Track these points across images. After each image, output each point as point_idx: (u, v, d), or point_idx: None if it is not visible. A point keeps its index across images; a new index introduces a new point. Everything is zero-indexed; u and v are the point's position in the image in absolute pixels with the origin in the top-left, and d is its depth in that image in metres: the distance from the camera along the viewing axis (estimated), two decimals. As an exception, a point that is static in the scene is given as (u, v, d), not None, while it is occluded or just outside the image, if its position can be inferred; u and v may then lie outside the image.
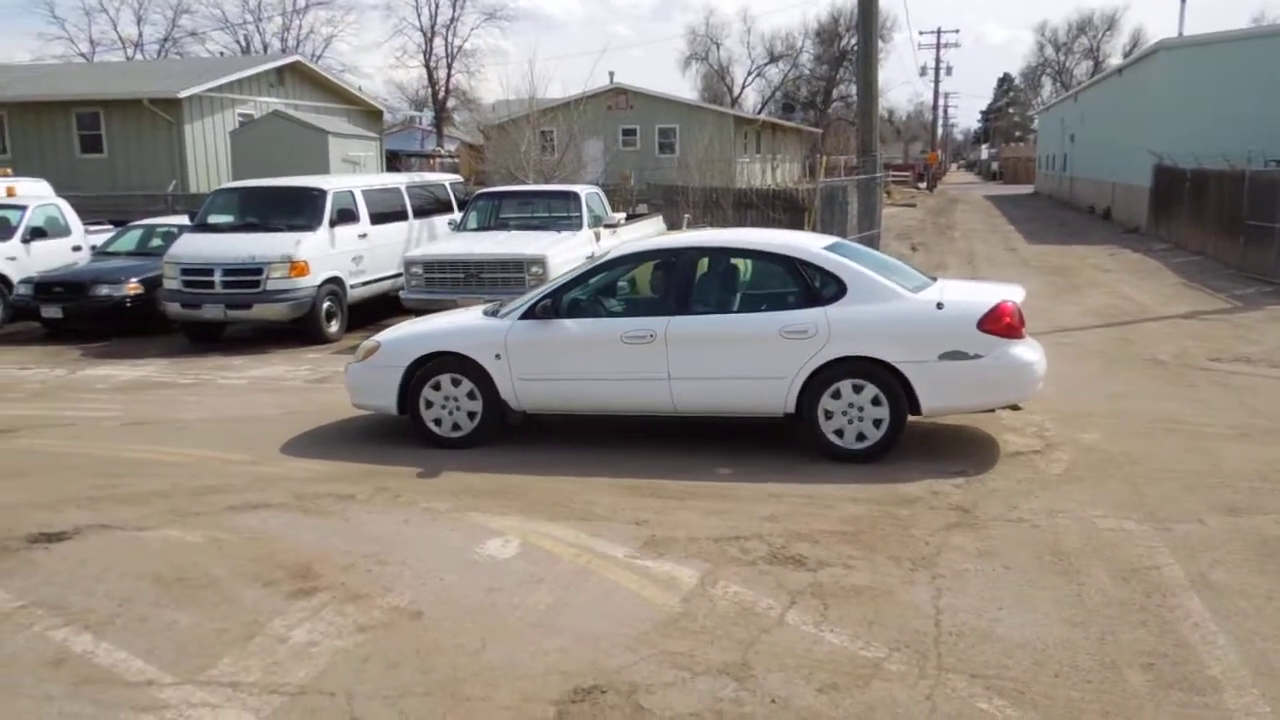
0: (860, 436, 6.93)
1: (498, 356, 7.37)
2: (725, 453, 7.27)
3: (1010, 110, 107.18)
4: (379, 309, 14.02)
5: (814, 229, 15.40)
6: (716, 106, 49.36)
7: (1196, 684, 3.93)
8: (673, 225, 15.22)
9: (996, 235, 29.02)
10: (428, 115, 57.87)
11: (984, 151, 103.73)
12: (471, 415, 7.52)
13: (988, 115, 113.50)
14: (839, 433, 6.96)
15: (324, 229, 12.76)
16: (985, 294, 7.23)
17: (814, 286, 7.08)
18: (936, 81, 66.59)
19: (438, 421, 7.57)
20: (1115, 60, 64.77)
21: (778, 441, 7.42)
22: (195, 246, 12.63)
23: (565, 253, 12.34)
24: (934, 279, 7.66)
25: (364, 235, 13.46)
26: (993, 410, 7.27)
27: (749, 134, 43.61)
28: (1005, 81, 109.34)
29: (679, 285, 7.37)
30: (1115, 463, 6.89)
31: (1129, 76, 32.80)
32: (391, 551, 5.51)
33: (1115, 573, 5.03)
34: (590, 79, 62.21)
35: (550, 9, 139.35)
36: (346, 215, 13.20)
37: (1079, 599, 4.75)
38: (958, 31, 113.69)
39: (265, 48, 55.83)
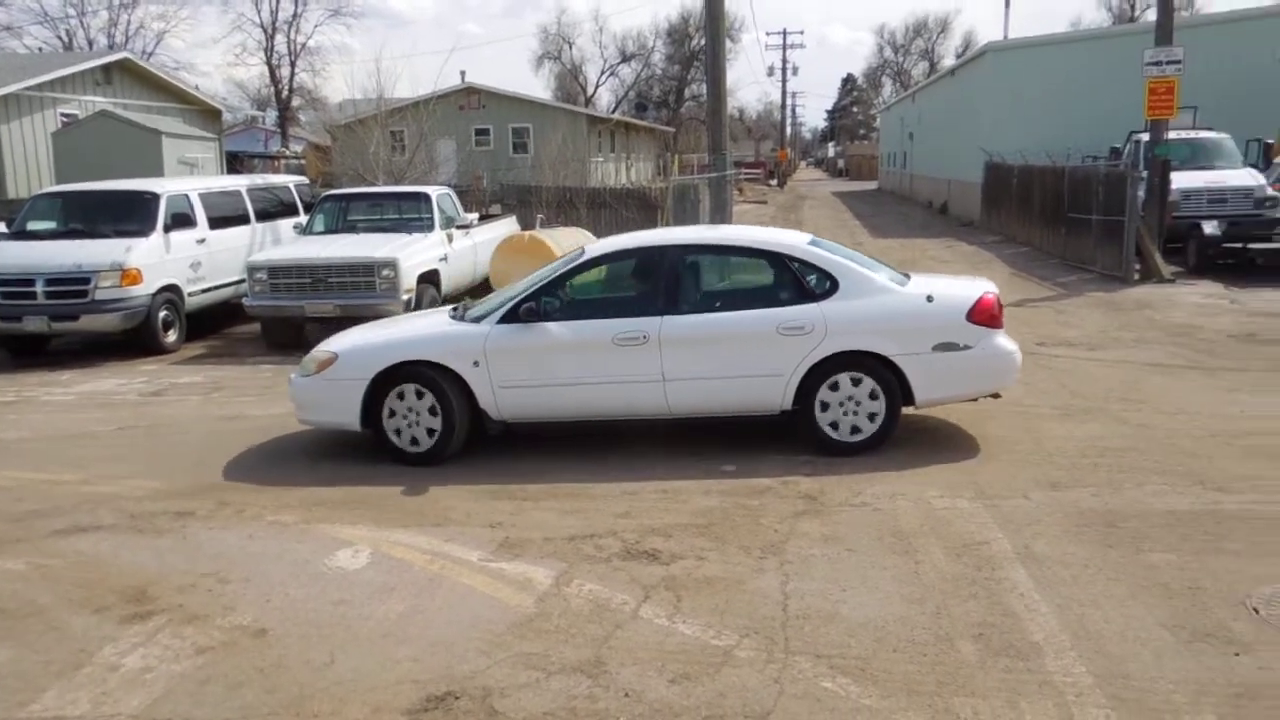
0: (855, 429, 7.02)
1: (476, 364, 6.99)
2: (597, 450, 7.29)
3: (854, 109, 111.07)
4: (221, 318, 13.47)
5: (666, 226, 15.60)
6: (570, 106, 49.37)
7: (1021, 650, 4.17)
8: (526, 225, 15.15)
9: (844, 230, 30.01)
10: (271, 115, 55.85)
11: (831, 149, 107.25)
12: (434, 429, 7.09)
13: (833, 114, 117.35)
14: (835, 426, 7.01)
15: (157, 234, 12.15)
16: (967, 287, 7.40)
17: (806, 282, 7.07)
18: (784, 81, 68.56)
19: (402, 434, 7.12)
20: (949, 61, 67.97)
21: (649, 436, 7.49)
22: (14, 255, 11.83)
23: (417, 255, 12.13)
24: (906, 274, 7.67)
25: (202, 240, 12.89)
26: (975, 399, 7.42)
27: (603, 133, 43.79)
28: (849, 82, 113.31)
29: (669, 284, 7.16)
30: (951, 445, 7.24)
31: (961, 77, 34.46)
32: (234, 569, 5.31)
33: (949, 549, 5.29)
34: (441, 78, 61.37)
35: (398, 6, 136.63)
36: (182, 220, 12.61)
37: (916, 576, 4.97)
38: (802, 33, 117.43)
39: (90, 44, 52.69)
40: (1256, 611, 4.42)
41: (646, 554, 5.37)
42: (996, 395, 7.38)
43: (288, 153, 42.91)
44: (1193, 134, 19.99)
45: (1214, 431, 7.33)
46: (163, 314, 12.07)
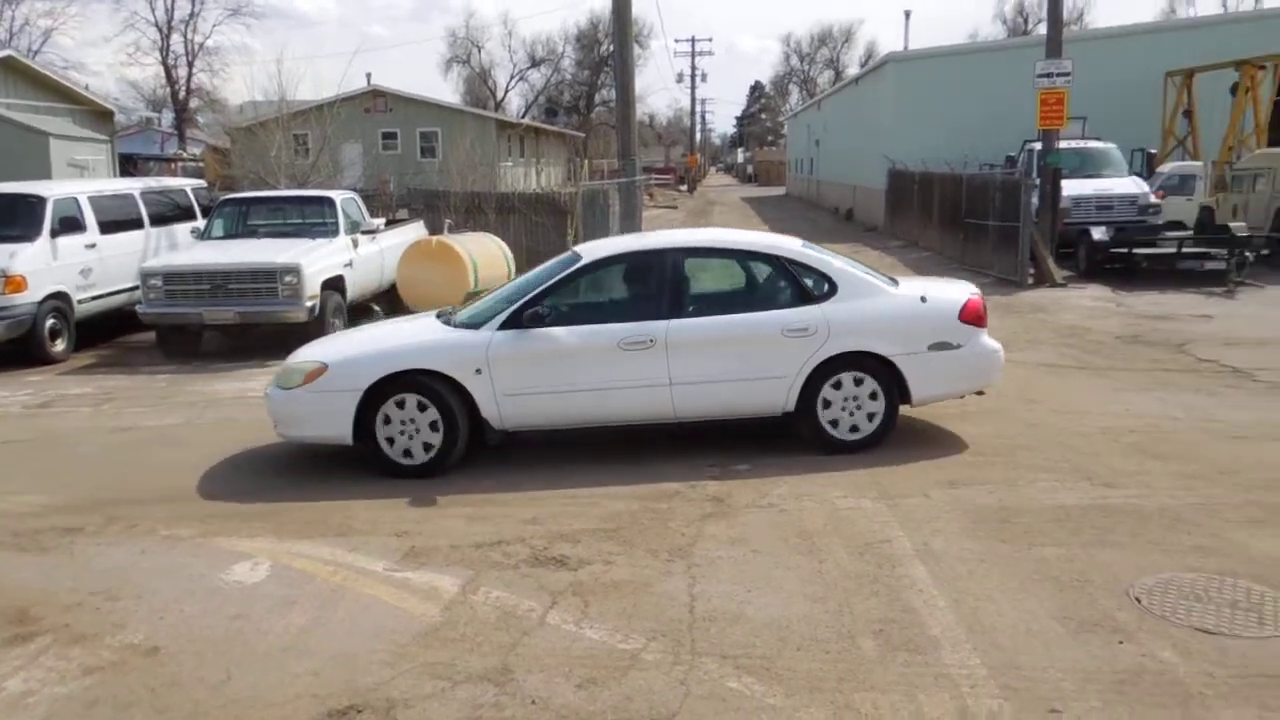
0: (853, 429, 7.13)
1: (478, 371, 6.79)
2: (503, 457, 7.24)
3: (763, 116, 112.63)
4: (114, 326, 13.00)
5: (576, 232, 15.60)
6: (479, 110, 48.99)
7: (919, 644, 4.27)
8: (434, 230, 14.97)
9: (752, 235, 30.38)
10: (168, 117, 54.11)
11: (740, 155, 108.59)
12: (434, 439, 6.86)
13: (742, 121, 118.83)
14: (836, 424, 7.11)
15: (44, 240, 11.67)
16: (953, 289, 7.61)
17: (805, 285, 7.16)
18: (693, 88, 69.21)
19: (399, 449, 6.86)
20: (853, 70, 69.48)
21: (562, 444, 7.46)
22: (-115, 262, 11.23)
23: (321, 261, 11.89)
24: (893, 278, 7.78)
25: (92, 245, 12.42)
26: (963, 396, 7.56)
27: (512, 138, 43.57)
28: (757, 89, 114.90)
29: (672, 287, 7.13)
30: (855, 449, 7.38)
31: (864, 86, 35.26)
32: (124, 586, 5.12)
33: (852, 548, 5.40)
34: (345, 80, 60.08)
35: (302, 7, 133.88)
36: (71, 224, 12.14)
37: (820, 575, 5.06)
38: (711, 40, 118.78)
39: (-28, 41, 50.33)
40: (1139, 601, 4.61)
41: (554, 560, 5.35)
42: (980, 393, 7.59)
43: (185, 155, 41.65)
44: (1082, 144, 20.81)
45: (1102, 429, 7.63)
46: (50, 322, 11.60)
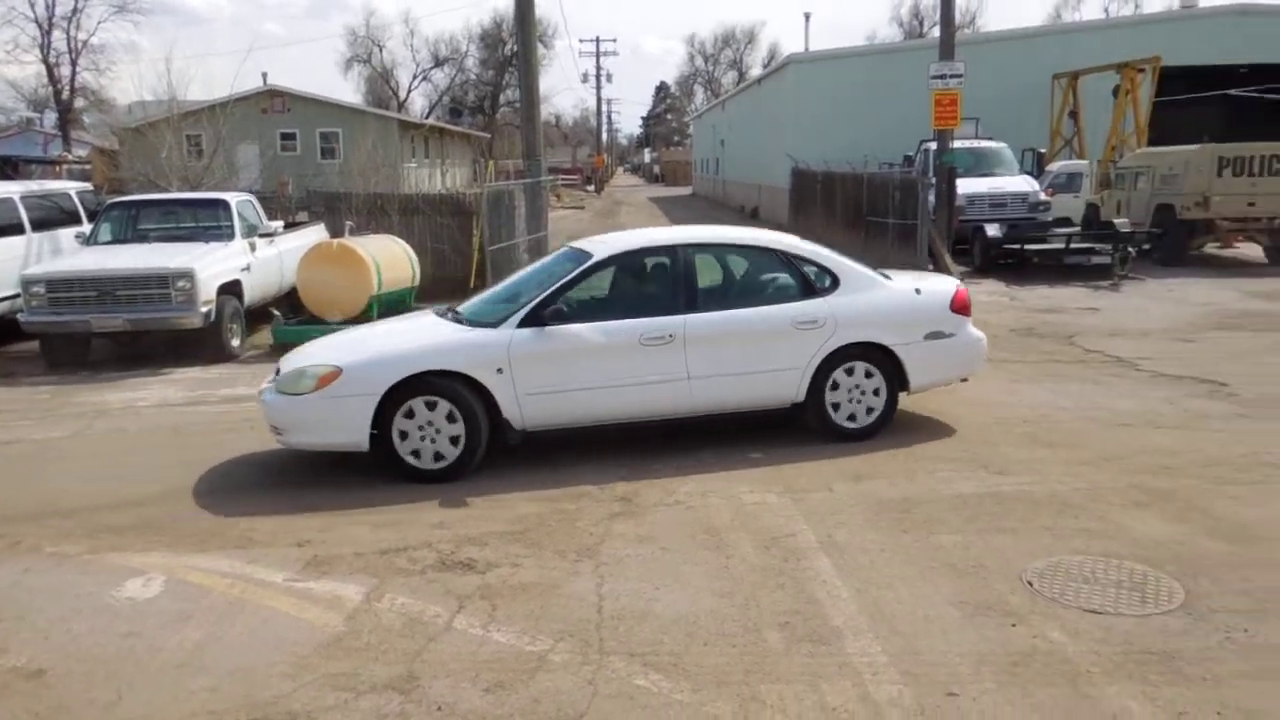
0: (852, 417, 7.36)
1: (500, 371, 6.67)
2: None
3: (669, 116, 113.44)
4: (-5, 334, 12.42)
5: (481, 233, 15.46)
6: (381, 110, 48.22)
7: (823, 635, 4.35)
8: (336, 233, 14.66)
9: (659, 235, 30.56)
10: (50, 117, 51.84)
11: (647, 155, 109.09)
12: (455, 440, 6.65)
13: (648, 121, 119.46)
14: (840, 412, 7.32)
15: (-84, 246, 11.08)
16: (941, 281, 7.99)
17: (810, 278, 7.35)
18: (598, 88, 69.22)
19: (417, 453, 6.64)
20: (756, 71, 70.42)
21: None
22: None
23: (215, 265, 11.54)
24: (884, 271, 7.90)
25: (-31, 252, 11.83)
26: (950, 383, 7.87)
27: (416, 138, 42.99)
28: (662, 89, 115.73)
29: (685, 283, 7.18)
30: (754, 443, 7.47)
31: (767, 87, 35.78)
32: (5, 606, 4.89)
33: (758, 543, 5.47)
34: (239, 79, 58.48)
35: (192, 3, 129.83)
36: (-55, 230, 11.55)
37: (727, 570, 5.11)
38: (615, 41, 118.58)
39: None
40: (1030, 584, 4.77)
41: (462, 564, 5.30)
42: (964, 379, 7.89)
43: (70, 157, 39.96)
44: (975, 143, 21.47)
45: (997, 419, 7.88)
46: (-76, 333, 11.01)
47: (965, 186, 18.65)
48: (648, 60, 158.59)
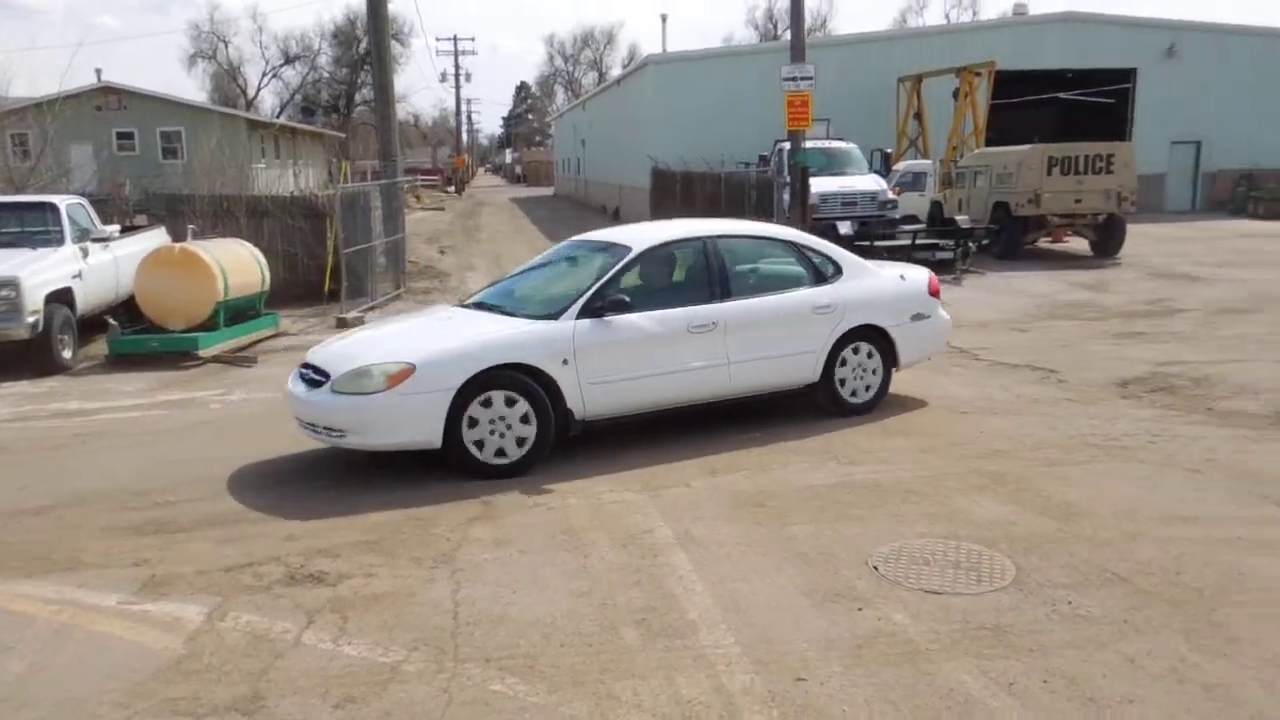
0: (854, 393, 7.97)
1: (565, 362, 6.75)
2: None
3: (529, 116, 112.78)
4: None
5: (335, 236, 15.04)
6: (226, 108, 46.33)
7: (679, 629, 4.40)
8: (177, 236, 14.01)
9: (521, 236, 30.41)
10: None
11: (508, 156, 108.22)
12: (523, 436, 6.67)
13: (509, 121, 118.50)
14: (844, 387, 7.89)
15: None
16: (915, 269, 8.71)
17: (819, 267, 7.92)
18: (457, 88, 68.25)
19: (482, 446, 6.58)
20: (616, 72, 70.78)
21: (327, 460, 7.15)
22: None
23: (44, 272, 10.88)
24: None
25: None
26: (926, 359, 8.66)
27: (266, 138, 41.48)
28: (523, 89, 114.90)
29: (720, 272, 7.50)
30: (619, 441, 7.51)
31: (626, 87, 36.00)
32: None
33: (616, 541, 5.49)
34: (70, 75, 55.28)
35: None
36: None
37: (585, 570, 5.11)
38: (474, 40, 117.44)
39: None
40: (876, 569, 4.95)
41: (312, 577, 5.14)
42: (928, 358, 8.70)
43: (-119, 158, 36.95)
44: (827, 144, 22.10)
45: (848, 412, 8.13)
46: None
47: (818, 185, 19.18)
48: (507, 59, 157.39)
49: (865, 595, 4.66)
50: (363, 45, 66.33)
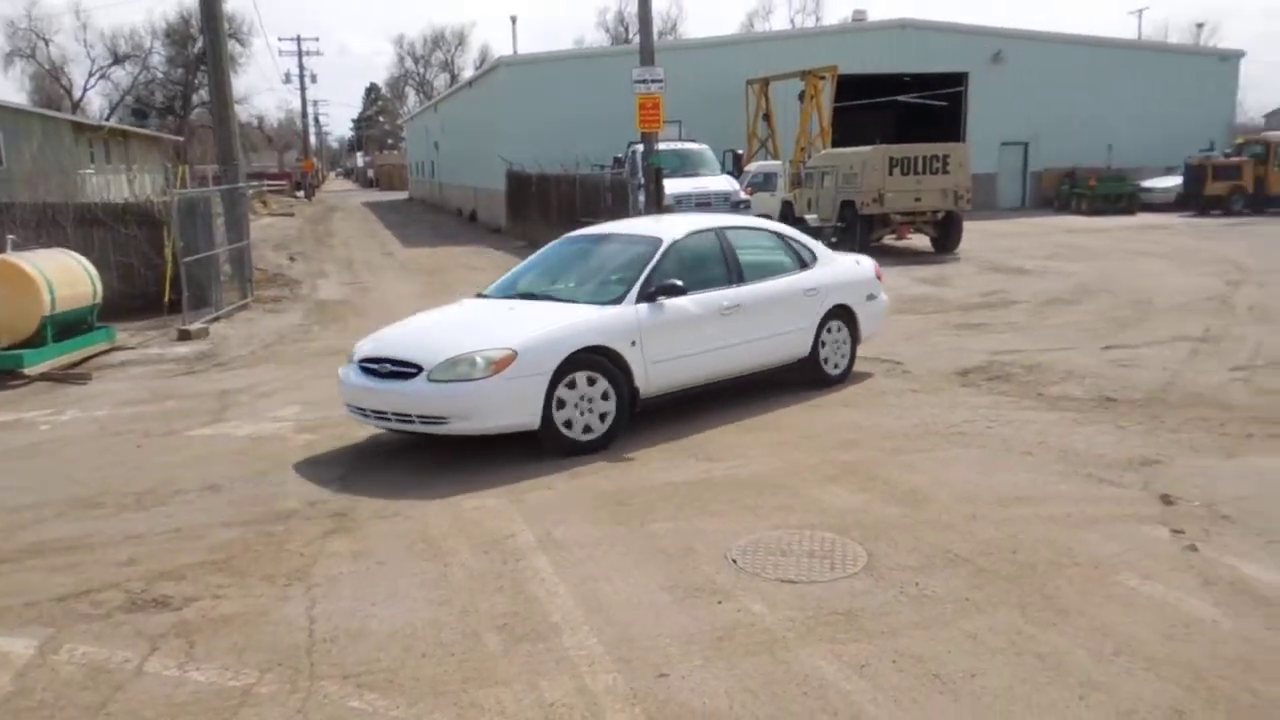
0: (834, 365, 8.96)
1: (633, 344, 7.28)
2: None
3: (381, 119, 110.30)
4: None
5: (174, 244, 14.36)
6: (49, 111, 43.63)
7: (541, 632, 4.39)
8: (-3, 247, 13.10)
9: (374, 241, 29.72)
10: None
11: (360, 159, 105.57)
12: (605, 413, 7.16)
13: (359, 124, 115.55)
14: (826, 362, 8.86)
15: None
16: (863, 257, 9.81)
17: (801, 255, 8.89)
18: (302, 89, 66.14)
19: (570, 424, 7.01)
20: (468, 73, 69.98)
21: (164, 470, 6.79)
22: None
23: None
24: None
25: None
26: (871, 336, 9.57)
27: (95, 142, 39.24)
28: (373, 91, 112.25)
29: (734, 260, 8.30)
30: (479, 447, 7.44)
31: (479, 89, 35.64)
32: None
33: (477, 547, 5.43)
34: None
35: None
36: None
37: (445, 579, 5.04)
38: (318, 40, 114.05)
39: None
40: (735, 562, 5.05)
41: (155, 602, 4.89)
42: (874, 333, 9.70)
43: None
44: (680, 145, 22.45)
45: (704, 407, 8.27)
46: None
47: (672, 187, 19.46)
48: (356, 61, 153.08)
49: (725, 588, 4.75)
50: (198, 45, 63.61)
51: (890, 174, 19.38)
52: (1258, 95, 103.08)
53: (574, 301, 7.67)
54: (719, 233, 8.46)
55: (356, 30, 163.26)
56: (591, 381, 7.09)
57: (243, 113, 67.57)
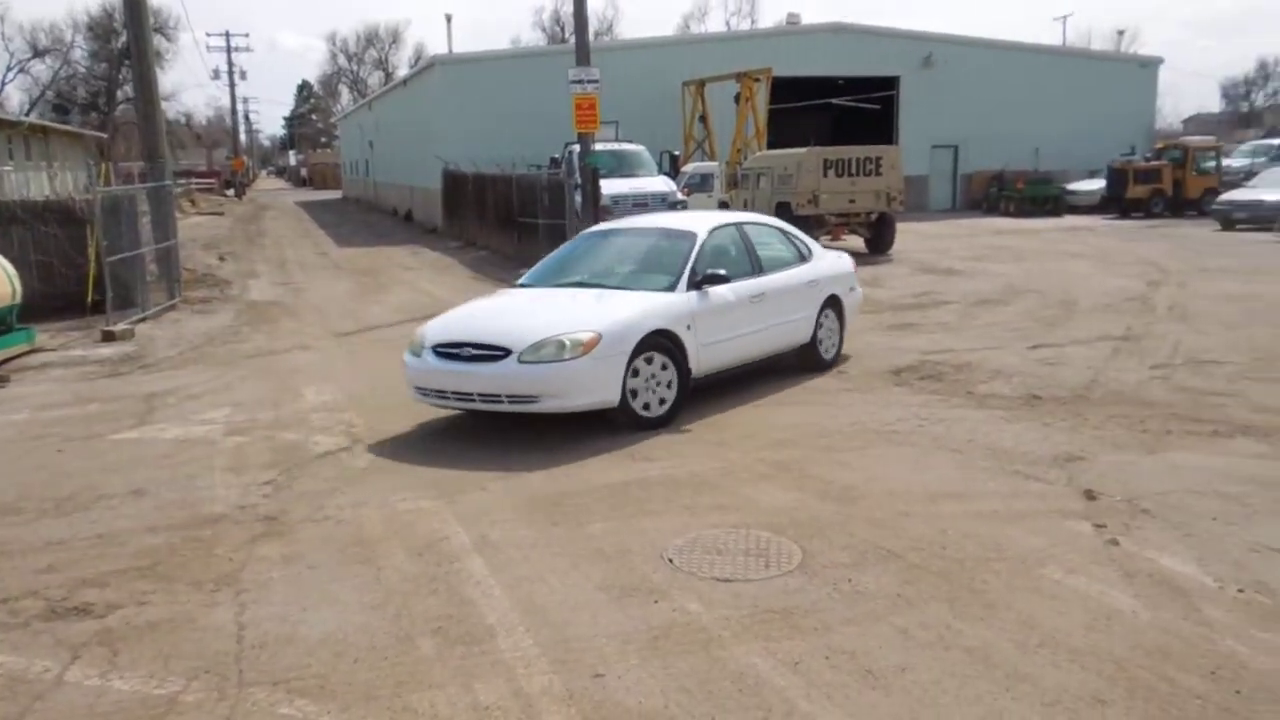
0: (827, 350, 9.70)
1: (688, 328, 7.87)
2: None
3: (313, 117, 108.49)
4: None
5: (97, 243, 13.96)
6: (-32, 104, 42.07)
7: (476, 635, 4.36)
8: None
9: (308, 240, 29.26)
10: None
11: (292, 158, 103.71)
12: (668, 390, 7.74)
13: (292, 121, 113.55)
14: (821, 346, 9.57)
15: None
16: (842, 253, 10.69)
17: (800, 249, 9.67)
18: (231, 85, 64.75)
19: (645, 404, 7.59)
20: (403, 71, 69.19)
21: (80, 479, 6.59)
22: None
23: None
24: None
25: None
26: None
27: (14, 138, 38.01)
28: (305, 88, 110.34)
29: (753, 252, 9.06)
30: (411, 449, 7.37)
31: (414, 87, 35.26)
32: None
33: (411, 550, 5.38)
34: None
35: None
36: None
37: (378, 582, 4.98)
38: (248, 35, 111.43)
39: None
40: (671, 561, 5.07)
41: (76, 610, 4.76)
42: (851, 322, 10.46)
43: None
44: (617, 146, 22.43)
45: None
46: None
47: (609, 187, 19.42)
48: (287, 57, 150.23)
49: (661, 587, 4.77)
50: (123, 39, 61.95)
51: (825, 176, 19.62)
52: (1175, 101, 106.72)
53: (630, 289, 8.18)
54: (739, 227, 9.24)
55: (288, 26, 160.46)
56: (656, 362, 7.65)
57: (170, 109, 66.05)
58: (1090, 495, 5.86)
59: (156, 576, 5.14)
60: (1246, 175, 28.40)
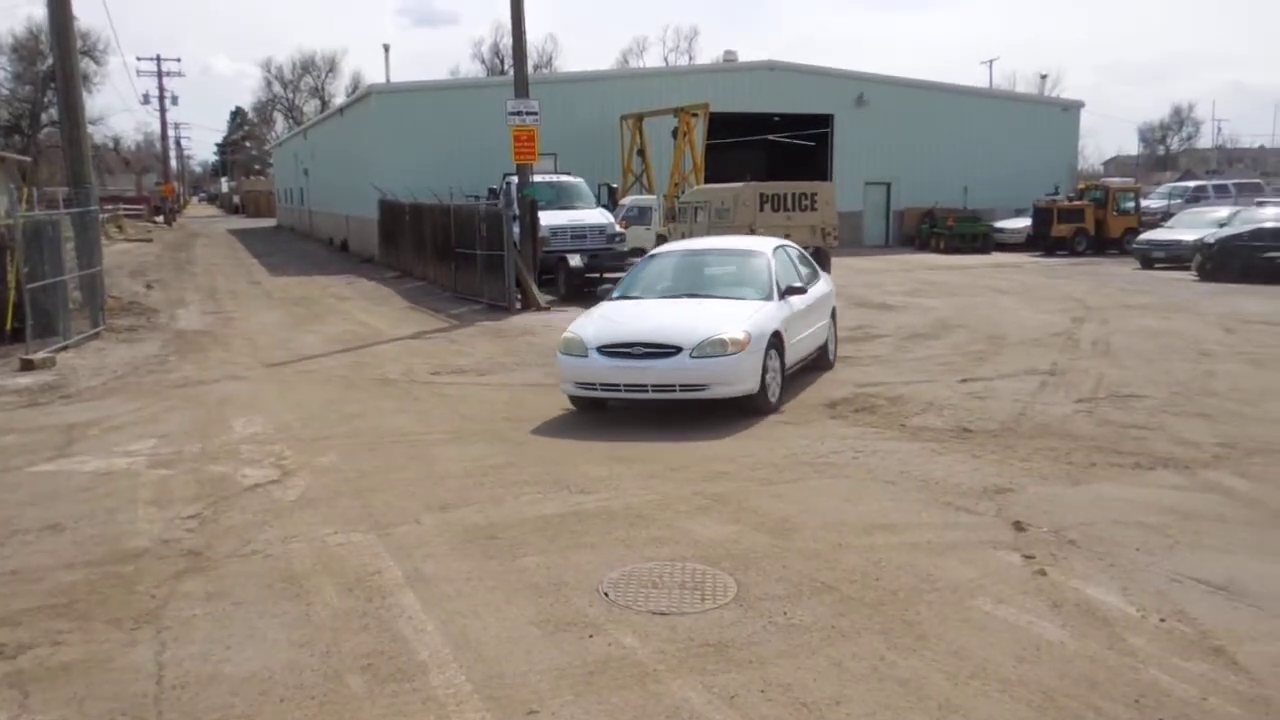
0: (831, 355, 11.44)
1: (785, 329, 9.45)
2: None
3: (247, 144, 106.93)
4: None
5: (17, 269, 13.56)
6: (-116, 125, 40.72)
7: (408, 672, 4.27)
8: None
9: (240, 269, 28.76)
10: None
11: (225, 184, 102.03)
12: (777, 381, 9.33)
13: (224, 148, 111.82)
14: (830, 353, 11.38)
15: None
16: (825, 275, 12.32)
17: (814, 269, 11.42)
18: (162, 111, 63.57)
19: (771, 393, 9.16)
20: (340, 100, 68.70)
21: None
22: None
23: None
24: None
25: None
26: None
27: (-67, 159, 36.82)
28: (239, 115, 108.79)
29: (797, 269, 10.63)
30: (347, 480, 7.24)
31: (350, 117, 34.98)
32: None
33: (342, 585, 5.26)
34: None
35: None
36: None
37: (307, 618, 4.86)
38: (180, 60, 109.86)
39: None
40: (606, 595, 5.03)
41: (-14, 651, 4.56)
42: None
43: None
44: (555, 178, 22.50)
45: (578, 439, 8.27)
46: None
47: (548, 219, 19.46)
48: (221, 83, 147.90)
49: (596, 621, 4.72)
50: (47, 62, 60.66)
51: (761, 210, 19.87)
52: (1096, 143, 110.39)
53: (730, 299, 9.58)
54: (785, 248, 10.93)
55: (221, 52, 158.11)
56: (775, 358, 9.16)
57: (97, 133, 64.73)
58: (1019, 526, 5.96)
59: (73, 615, 4.96)
60: (1164, 216, 29.41)
